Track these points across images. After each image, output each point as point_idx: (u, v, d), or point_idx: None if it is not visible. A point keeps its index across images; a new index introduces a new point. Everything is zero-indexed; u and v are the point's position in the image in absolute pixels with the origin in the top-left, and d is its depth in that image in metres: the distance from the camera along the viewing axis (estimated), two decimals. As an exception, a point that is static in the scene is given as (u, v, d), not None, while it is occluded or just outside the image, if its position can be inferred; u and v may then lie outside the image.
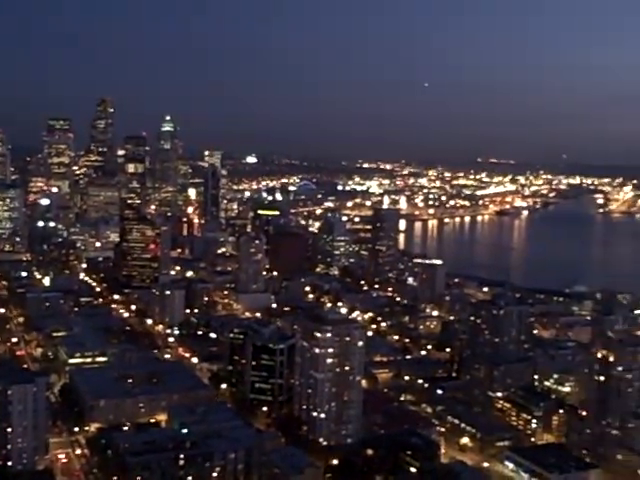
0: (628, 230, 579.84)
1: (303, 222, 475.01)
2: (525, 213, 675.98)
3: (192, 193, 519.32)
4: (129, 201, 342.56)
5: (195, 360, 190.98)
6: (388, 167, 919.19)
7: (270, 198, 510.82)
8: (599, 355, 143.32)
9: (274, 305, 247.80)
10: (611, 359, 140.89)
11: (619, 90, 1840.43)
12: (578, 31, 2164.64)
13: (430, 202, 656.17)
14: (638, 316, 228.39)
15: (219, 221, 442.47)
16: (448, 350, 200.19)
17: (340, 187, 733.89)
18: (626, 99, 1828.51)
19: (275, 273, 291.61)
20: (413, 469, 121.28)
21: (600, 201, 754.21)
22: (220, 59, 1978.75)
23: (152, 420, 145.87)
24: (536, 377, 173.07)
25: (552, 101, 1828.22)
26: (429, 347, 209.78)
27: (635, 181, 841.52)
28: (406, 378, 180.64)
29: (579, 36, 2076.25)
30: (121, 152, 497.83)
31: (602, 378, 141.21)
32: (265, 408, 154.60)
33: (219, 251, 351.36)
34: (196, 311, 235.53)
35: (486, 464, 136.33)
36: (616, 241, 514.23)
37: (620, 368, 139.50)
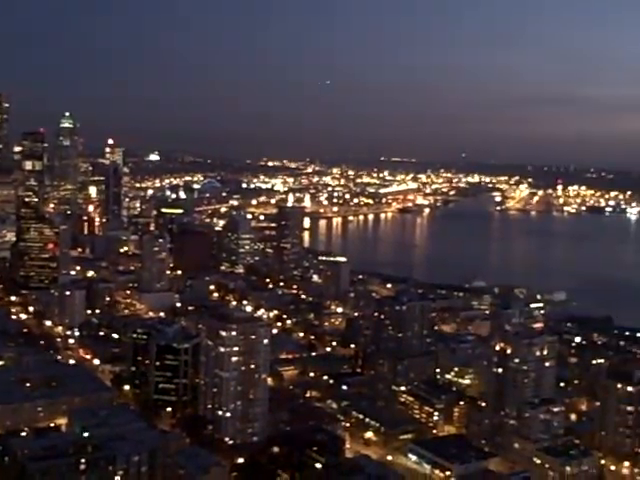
0: (524, 227, 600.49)
1: (208, 220, 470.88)
2: (427, 211, 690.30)
3: (93, 191, 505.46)
4: (26, 199, 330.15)
5: (97, 362, 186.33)
6: (293, 165, 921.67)
7: (174, 196, 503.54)
8: (497, 348, 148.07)
9: (178, 304, 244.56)
10: (508, 351, 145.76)
11: (520, 91, 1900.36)
12: (482, 31, 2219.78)
13: (334, 200, 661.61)
14: (534, 309, 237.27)
15: (121, 219, 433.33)
16: (353, 346, 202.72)
17: (245, 185, 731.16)
18: (526, 100, 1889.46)
19: (179, 272, 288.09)
20: (318, 465, 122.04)
21: (498, 199, 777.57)
22: (124, 59, 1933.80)
23: (52, 425, 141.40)
24: (438, 371, 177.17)
25: (455, 101, 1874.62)
26: (334, 344, 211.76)
27: (531, 180, 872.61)
28: (311, 375, 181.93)
29: (483, 36, 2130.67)
30: (18, 149, 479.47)
31: (500, 370, 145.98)
32: (169, 409, 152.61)
33: (121, 250, 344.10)
34: (98, 312, 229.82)
35: (390, 457, 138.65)
36: (513, 237, 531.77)
37: (517, 360, 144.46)
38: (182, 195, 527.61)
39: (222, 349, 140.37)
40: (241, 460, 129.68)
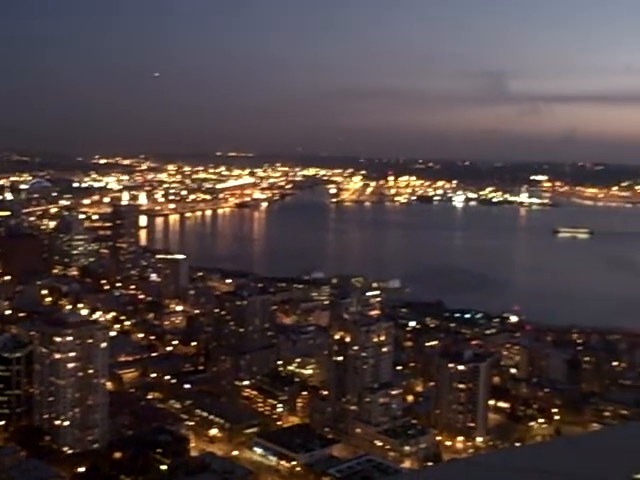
0: (359, 218, 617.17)
1: (37, 222, 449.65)
2: (264, 205, 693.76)
3: None
4: None
5: None
6: (126, 162, 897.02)
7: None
8: (336, 337, 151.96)
9: (8, 312, 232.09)
10: (347, 339, 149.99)
11: (350, 83, 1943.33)
12: (320, 30, 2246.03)
13: (171, 197, 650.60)
14: (370, 297, 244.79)
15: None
16: (194, 344, 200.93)
17: (76, 184, 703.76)
18: (357, 93, 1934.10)
19: (8, 277, 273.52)
20: (163, 466, 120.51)
21: (333, 191, 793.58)
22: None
23: None
24: (280, 363, 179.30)
25: (288, 93, 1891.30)
26: (175, 342, 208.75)
27: (364, 171, 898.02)
28: (153, 376, 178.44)
29: (319, 33, 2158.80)
30: None
31: (340, 358, 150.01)
32: (2, 422, 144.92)
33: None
34: None
35: (236, 452, 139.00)
36: (348, 228, 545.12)
37: (356, 347, 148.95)
38: (8, 196, 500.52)
39: (57, 356, 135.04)
40: (82, 469, 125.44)
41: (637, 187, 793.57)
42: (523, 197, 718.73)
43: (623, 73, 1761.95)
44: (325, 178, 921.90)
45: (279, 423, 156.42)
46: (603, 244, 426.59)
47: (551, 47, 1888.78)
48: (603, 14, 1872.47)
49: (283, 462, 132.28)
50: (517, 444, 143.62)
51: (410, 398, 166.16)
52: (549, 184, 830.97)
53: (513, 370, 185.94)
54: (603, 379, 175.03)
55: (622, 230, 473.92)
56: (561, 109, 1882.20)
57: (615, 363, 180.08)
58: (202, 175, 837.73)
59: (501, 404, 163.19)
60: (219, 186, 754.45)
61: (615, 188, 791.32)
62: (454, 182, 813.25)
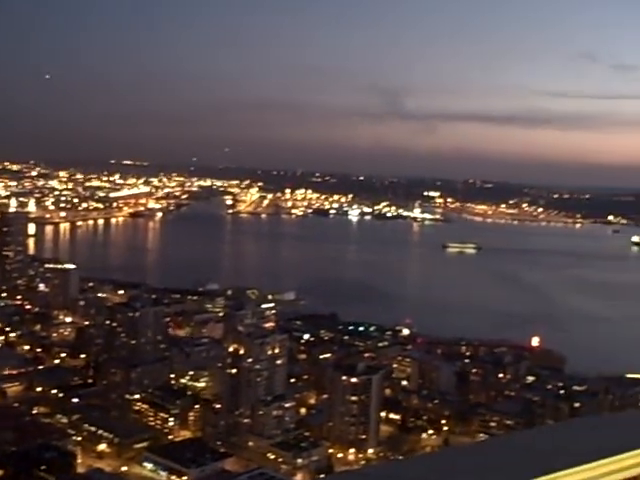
0: (255, 230, 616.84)
1: None
2: (159, 215, 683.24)
3: None
4: None
5: None
6: (15, 168, 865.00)
7: None
8: (230, 349, 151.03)
9: None
10: (241, 352, 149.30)
11: (247, 96, 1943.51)
12: (221, 40, 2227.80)
13: (62, 205, 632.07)
14: (265, 310, 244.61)
15: None
16: (84, 356, 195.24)
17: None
18: (254, 105, 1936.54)
19: None
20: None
21: (229, 202, 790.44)
22: None
23: None
24: (173, 376, 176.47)
25: (186, 103, 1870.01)
26: (63, 355, 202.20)
27: (261, 183, 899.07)
28: (38, 389, 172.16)
29: (220, 43, 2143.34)
30: None
31: (234, 371, 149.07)
32: None
33: None
34: None
35: (125, 468, 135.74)
36: (244, 240, 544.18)
37: (250, 360, 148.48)
38: None
39: None
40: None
41: (523, 205, 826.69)
42: (416, 212, 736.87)
43: (512, 93, 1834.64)
44: (222, 189, 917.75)
45: (170, 437, 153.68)
46: (488, 259, 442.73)
47: (444, 65, 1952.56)
48: (495, 34, 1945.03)
49: (174, 477, 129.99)
50: (406, 455, 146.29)
51: (303, 410, 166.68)
52: (441, 200, 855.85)
53: (404, 382, 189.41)
54: (490, 390, 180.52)
55: (506, 246, 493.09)
56: (454, 127, 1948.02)
57: (501, 375, 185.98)
58: (95, 183, 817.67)
59: (392, 416, 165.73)
60: (113, 195, 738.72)
61: (503, 205, 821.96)
62: (350, 196, 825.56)
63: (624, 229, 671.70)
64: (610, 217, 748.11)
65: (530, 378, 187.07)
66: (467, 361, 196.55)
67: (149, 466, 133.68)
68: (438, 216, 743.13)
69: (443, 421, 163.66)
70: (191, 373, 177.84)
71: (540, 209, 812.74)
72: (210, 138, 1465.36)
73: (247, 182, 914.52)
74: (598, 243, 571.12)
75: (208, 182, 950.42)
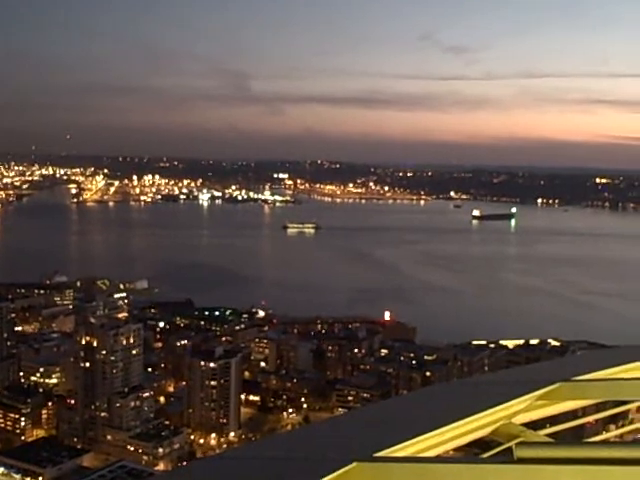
0: (102, 218, 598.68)
1: None
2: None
3: None
4: None
5: None
6: None
7: None
8: (83, 342, 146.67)
9: None
10: (94, 344, 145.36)
11: (88, 80, 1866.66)
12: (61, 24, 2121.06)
13: None
14: (118, 300, 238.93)
15: None
16: None
17: None
18: (96, 89, 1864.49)
19: None
20: None
21: (74, 191, 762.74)
22: None
23: None
24: (22, 374, 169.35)
25: (22, 88, 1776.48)
26: None
27: (107, 170, 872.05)
28: None
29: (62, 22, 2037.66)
30: None
31: (87, 364, 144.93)
32: None
33: None
34: None
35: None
36: (92, 229, 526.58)
37: (104, 352, 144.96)
38: None
39: None
40: None
41: (370, 184, 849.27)
42: (267, 195, 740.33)
43: (356, 76, 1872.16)
44: (65, 178, 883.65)
45: (23, 438, 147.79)
46: (331, 238, 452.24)
47: (289, 48, 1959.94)
48: (339, 18, 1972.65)
49: (28, 479, 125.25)
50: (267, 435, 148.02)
51: (162, 399, 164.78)
52: (291, 182, 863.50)
53: (263, 364, 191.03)
54: (346, 366, 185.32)
55: (345, 225, 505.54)
56: (300, 109, 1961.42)
57: (356, 350, 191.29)
58: None
59: (252, 397, 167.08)
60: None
61: (351, 185, 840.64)
62: (199, 181, 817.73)
63: (465, 204, 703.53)
64: (452, 193, 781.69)
65: (384, 351, 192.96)
66: (323, 339, 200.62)
67: (1, 470, 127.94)
68: (288, 198, 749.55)
69: (302, 399, 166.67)
70: (42, 370, 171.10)
71: (386, 187, 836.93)
72: (51, 125, 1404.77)
73: (92, 169, 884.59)
74: (442, 218, 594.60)
75: (50, 170, 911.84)
